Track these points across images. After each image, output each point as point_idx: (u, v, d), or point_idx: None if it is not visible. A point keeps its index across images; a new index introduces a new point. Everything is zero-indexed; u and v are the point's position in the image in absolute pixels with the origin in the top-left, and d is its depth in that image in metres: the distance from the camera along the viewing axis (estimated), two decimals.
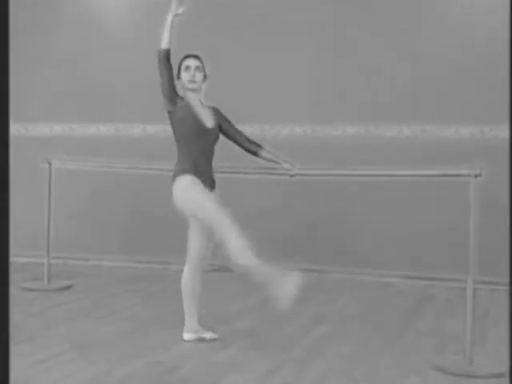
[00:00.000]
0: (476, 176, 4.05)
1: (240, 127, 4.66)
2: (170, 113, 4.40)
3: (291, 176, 4.65)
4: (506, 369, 3.91)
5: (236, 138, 4.57)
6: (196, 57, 4.50)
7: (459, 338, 4.35)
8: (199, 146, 4.38)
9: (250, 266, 4.04)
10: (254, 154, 4.58)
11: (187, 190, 4.31)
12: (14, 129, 7.57)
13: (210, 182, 4.42)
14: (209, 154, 4.45)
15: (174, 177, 4.38)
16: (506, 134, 6.31)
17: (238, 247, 4.05)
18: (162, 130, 7.20)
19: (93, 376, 3.74)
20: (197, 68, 4.45)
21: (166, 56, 4.31)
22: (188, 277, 4.50)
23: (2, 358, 2.00)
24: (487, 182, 4.21)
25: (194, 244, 4.49)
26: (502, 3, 6.42)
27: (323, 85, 6.94)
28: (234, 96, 6.62)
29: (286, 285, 3.99)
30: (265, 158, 4.60)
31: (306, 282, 5.93)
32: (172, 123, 4.43)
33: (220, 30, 7.16)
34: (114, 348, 4.30)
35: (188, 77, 4.44)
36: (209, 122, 4.46)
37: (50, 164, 6.20)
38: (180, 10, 4.33)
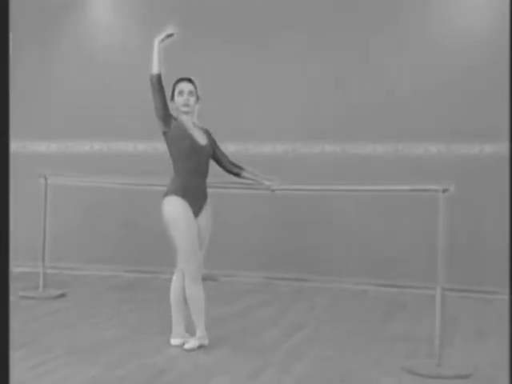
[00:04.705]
0: (444, 191, 4.10)
1: (224, 145, 4.71)
2: (164, 133, 4.41)
3: (272, 191, 4.69)
4: (471, 371, 3.96)
5: (221, 160, 4.61)
6: (189, 80, 4.50)
7: (430, 342, 4.38)
8: (193, 163, 4.38)
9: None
10: (237, 175, 4.64)
11: (173, 213, 4.34)
12: (14, 146, 7.56)
13: (200, 200, 4.43)
14: (203, 172, 4.46)
15: (166, 194, 4.39)
16: (468, 150, 6.46)
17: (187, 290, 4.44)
18: (152, 147, 7.22)
19: (88, 378, 3.75)
20: (190, 92, 4.46)
21: (158, 80, 4.33)
22: (177, 285, 4.50)
23: (2, 363, 1.98)
24: (455, 195, 4.24)
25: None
26: (477, 26, 6.54)
27: (304, 106, 6.99)
28: (219, 115, 6.64)
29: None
30: (247, 179, 4.65)
31: (287, 290, 5.92)
32: (167, 143, 4.43)
33: (204, 51, 7.19)
34: (107, 352, 4.30)
35: (182, 101, 4.44)
36: (201, 140, 4.48)
37: (45, 179, 6.22)
38: (169, 32, 4.35)
